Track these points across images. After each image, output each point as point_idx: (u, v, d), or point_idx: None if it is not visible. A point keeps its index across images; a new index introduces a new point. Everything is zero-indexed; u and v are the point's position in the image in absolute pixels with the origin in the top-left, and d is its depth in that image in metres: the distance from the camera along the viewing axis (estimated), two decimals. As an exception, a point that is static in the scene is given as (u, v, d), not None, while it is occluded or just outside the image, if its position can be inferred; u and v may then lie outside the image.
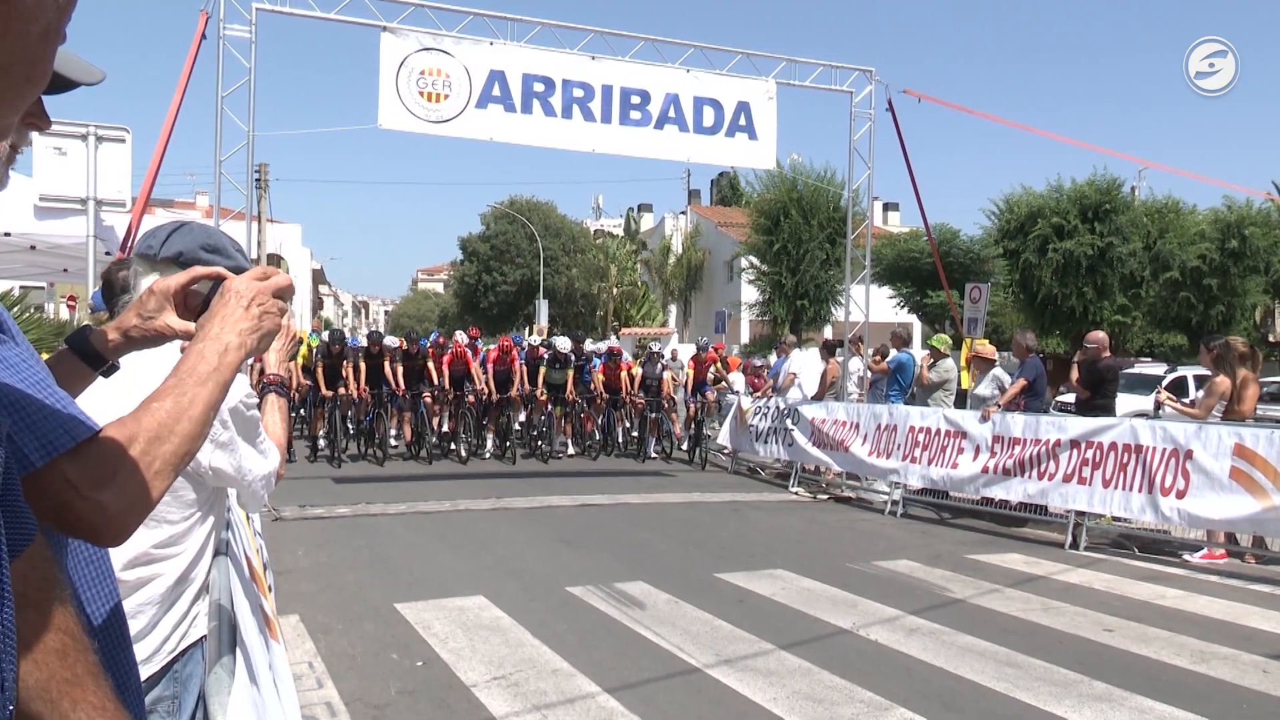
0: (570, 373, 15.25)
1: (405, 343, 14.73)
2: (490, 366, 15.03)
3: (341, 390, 13.68)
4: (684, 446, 16.05)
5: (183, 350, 1.29)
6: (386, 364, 14.16)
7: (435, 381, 14.46)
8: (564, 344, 15.29)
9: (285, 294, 1.38)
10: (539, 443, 15.38)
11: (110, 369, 1.52)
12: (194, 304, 1.47)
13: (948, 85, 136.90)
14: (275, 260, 37.21)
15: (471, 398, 14.68)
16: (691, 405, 15.80)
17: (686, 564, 7.80)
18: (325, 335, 15.52)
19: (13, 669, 0.78)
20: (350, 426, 14.51)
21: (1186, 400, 8.37)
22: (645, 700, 4.64)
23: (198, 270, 1.50)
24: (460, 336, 15.61)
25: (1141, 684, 4.92)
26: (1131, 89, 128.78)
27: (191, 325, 1.41)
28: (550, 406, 15.21)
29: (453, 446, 14.72)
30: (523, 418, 15.93)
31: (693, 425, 15.62)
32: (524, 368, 15.07)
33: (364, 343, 15.05)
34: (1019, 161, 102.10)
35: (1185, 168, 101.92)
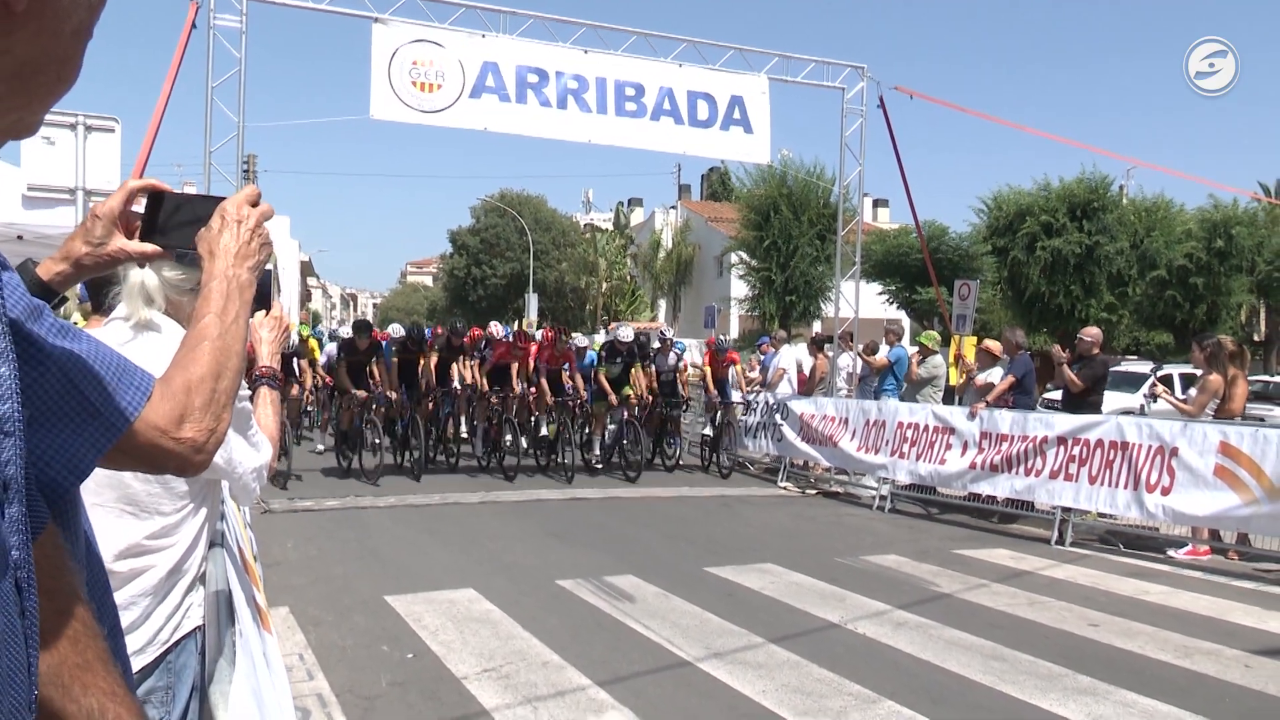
0: (640, 368, 13.09)
1: (449, 333, 13.14)
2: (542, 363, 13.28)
3: (372, 391, 12.02)
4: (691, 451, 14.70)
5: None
6: (463, 361, 12.96)
7: (516, 379, 12.91)
8: (627, 334, 13.17)
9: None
10: (621, 456, 13.10)
11: (60, 301, 1.53)
12: (134, 226, 1.45)
13: (939, 83, 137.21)
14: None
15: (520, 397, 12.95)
16: (716, 405, 13.80)
17: (676, 558, 7.82)
18: (347, 330, 14.31)
19: (36, 655, 0.80)
20: (382, 430, 12.43)
21: (1180, 396, 8.45)
22: (635, 693, 4.66)
23: (131, 183, 1.48)
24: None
25: (1126, 678, 4.97)
26: (1121, 89, 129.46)
27: (148, 247, 1.41)
28: (622, 413, 12.93)
29: (498, 457, 12.79)
30: (611, 427, 13.40)
31: (711, 428, 14.02)
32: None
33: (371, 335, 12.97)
34: (1009, 159, 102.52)
35: (1173, 167, 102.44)
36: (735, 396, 13.90)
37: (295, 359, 13.68)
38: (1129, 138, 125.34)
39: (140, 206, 1.45)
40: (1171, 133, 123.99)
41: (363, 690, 4.63)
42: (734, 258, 35.26)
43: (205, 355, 1.21)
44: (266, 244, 1.38)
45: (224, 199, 1.39)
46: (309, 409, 16.27)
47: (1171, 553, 8.30)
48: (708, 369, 14.25)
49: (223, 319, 1.26)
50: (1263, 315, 32.46)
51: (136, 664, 1.86)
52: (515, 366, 13.14)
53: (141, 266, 1.95)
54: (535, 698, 4.57)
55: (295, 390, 13.53)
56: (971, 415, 9.95)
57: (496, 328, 13.50)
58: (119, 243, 1.46)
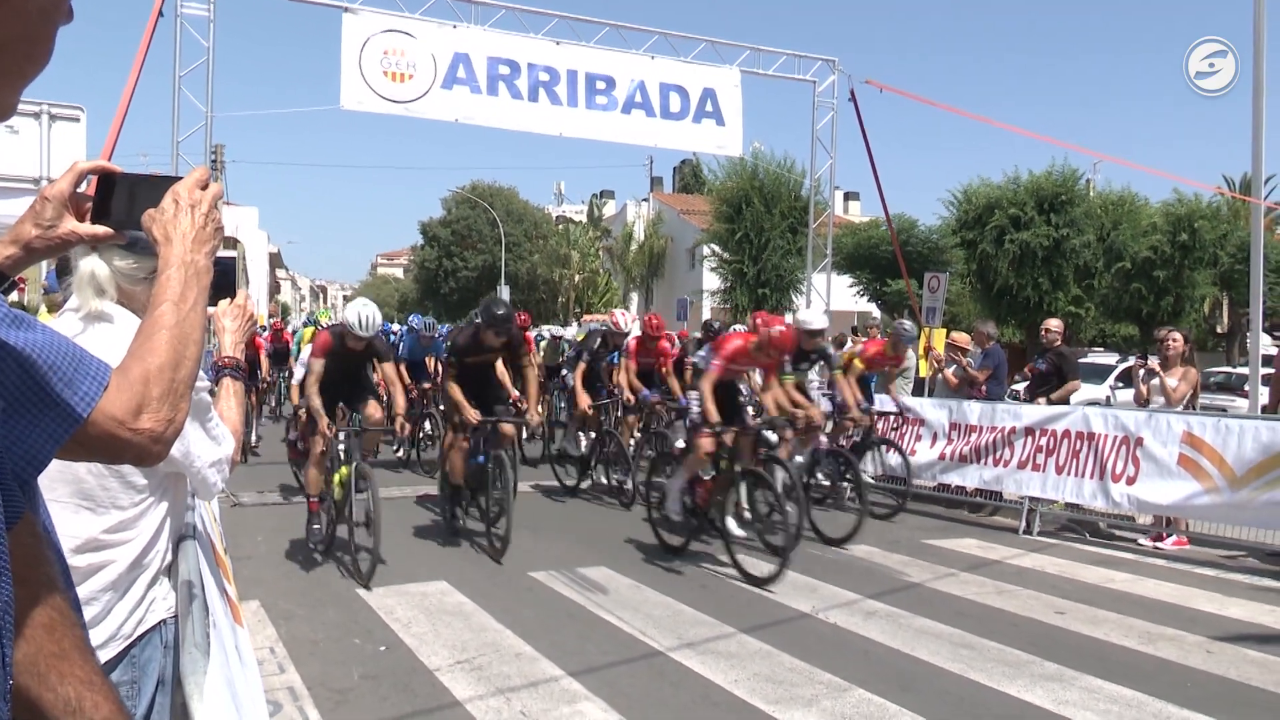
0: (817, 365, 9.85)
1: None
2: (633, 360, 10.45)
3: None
4: None
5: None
6: (626, 367, 10.24)
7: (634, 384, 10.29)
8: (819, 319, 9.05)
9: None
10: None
11: (11, 286, 1.51)
12: (84, 209, 1.44)
13: (911, 77, 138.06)
14: (231, 243, 36.61)
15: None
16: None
17: (648, 549, 7.84)
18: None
19: (11, 644, 0.80)
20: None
21: (1172, 384, 8.62)
22: (608, 683, 4.68)
23: (81, 165, 1.46)
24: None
25: (1092, 664, 5.06)
26: (1090, 84, 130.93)
27: (100, 229, 1.40)
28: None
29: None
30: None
31: None
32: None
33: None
34: (980, 153, 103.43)
35: (1139, 162, 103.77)
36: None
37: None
38: (1097, 132, 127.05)
39: (92, 189, 1.43)
40: (1138, 128, 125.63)
41: (334, 683, 4.62)
42: (706, 250, 35.30)
43: (162, 344, 1.20)
44: (220, 228, 1.37)
45: (176, 179, 1.37)
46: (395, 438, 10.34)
47: (1143, 541, 8.43)
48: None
49: (179, 307, 1.25)
50: (1225, 308, 32.96)
51: (99, 658, 1.84)
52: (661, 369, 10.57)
53: (93, 249, 1.92)
54: (508, 689, 4.58)
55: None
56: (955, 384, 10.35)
57: (624, 318, 11.07)
58: (69, 225, 1.44)
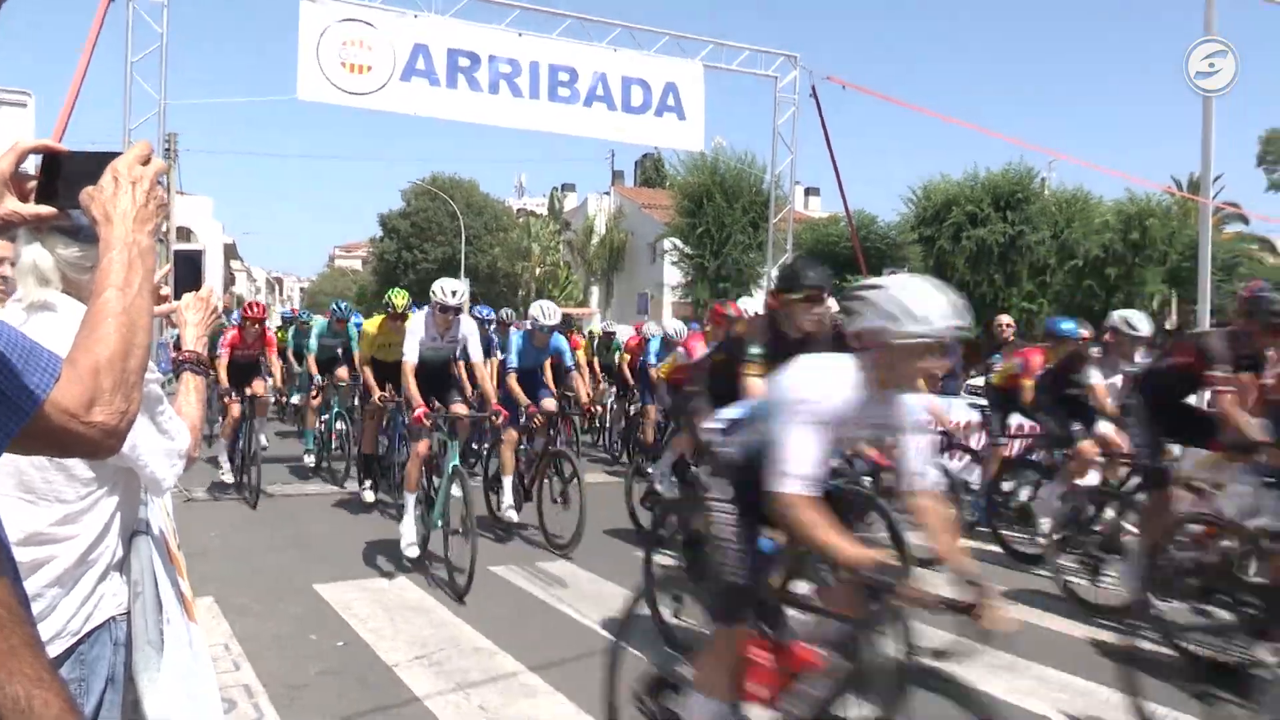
0: None
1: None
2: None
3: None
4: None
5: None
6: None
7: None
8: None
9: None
10: None
11: None
12: (26, 189, 1.40)
13: (872, 74, 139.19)
14: (185, 234, 36.03)
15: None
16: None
17: (608, 543, 7.85)
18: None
19: None
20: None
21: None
22: (568, 677, 4.67)
23: (22, 145, 1.41)
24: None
25: (1042, 653, 5.14)
26: (1048, 85, 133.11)
27: (44, 209, 1.36)
28: None
29: None
30: None
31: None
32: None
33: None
34: (939, 151, 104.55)
35: (1093, 161, 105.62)
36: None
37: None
38: (1053, 132, 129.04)
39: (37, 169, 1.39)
40: (1092, 128, 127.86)
41: (291, 679, 4.57)
42: (667, 244, 35.35)
43: (111, 334, 1.16)
44: (163, 205, 1.34)
45: (117, 154, 1.32)
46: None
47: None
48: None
49: (125, 292, 1.20)
50: (1174, 305, 33.68)
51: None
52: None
53: (38, 230, 1.87)
54: (468, 684, 4.57)
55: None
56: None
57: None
58: (10, 205, 1.39)
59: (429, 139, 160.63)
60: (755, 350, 4.53)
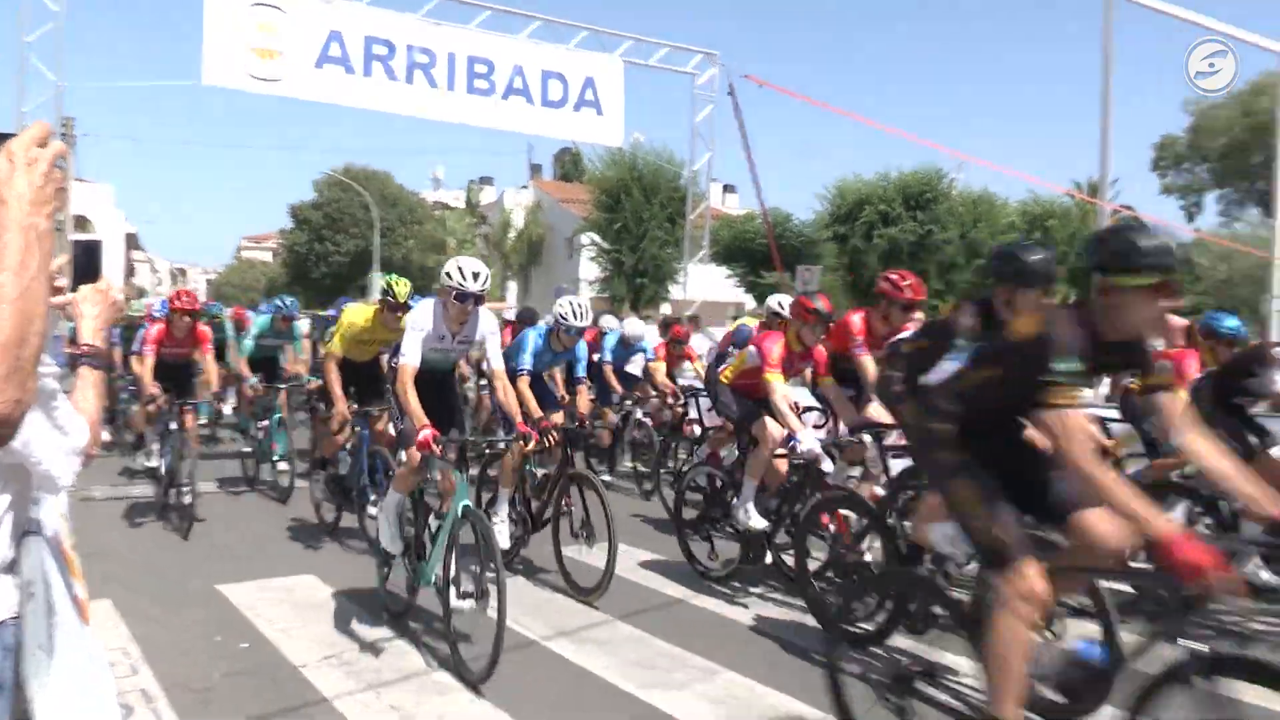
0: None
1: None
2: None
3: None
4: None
5: None
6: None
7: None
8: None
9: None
10: None
11: None
12: None
13: (790, 74, 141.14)
14: (82, 223, 34.55)
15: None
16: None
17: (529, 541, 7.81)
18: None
19: None
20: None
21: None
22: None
23: None
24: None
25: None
26: (957, 87, 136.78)
27: None
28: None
29: None
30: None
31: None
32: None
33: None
34: (853, 151, 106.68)
35: (999, 164, 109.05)
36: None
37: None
38: (961, 135, 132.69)
39: None
40: (998, 132, 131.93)
41: (193, 683, 4.44)
42: (585, 239, 35.35)
43: (5, 320, 1.11)
44: (62, 188, 1.29)
45: (10, 135, 1.29)
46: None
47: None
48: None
49: (21, 276, 1.15)
50: (1073, 303, 35.06)
51: None
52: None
53: None
54: (378, 684, 4.51)
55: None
56: None
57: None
58: None
59: (342, 128, 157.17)
60: (1064, 365, 2.98)
